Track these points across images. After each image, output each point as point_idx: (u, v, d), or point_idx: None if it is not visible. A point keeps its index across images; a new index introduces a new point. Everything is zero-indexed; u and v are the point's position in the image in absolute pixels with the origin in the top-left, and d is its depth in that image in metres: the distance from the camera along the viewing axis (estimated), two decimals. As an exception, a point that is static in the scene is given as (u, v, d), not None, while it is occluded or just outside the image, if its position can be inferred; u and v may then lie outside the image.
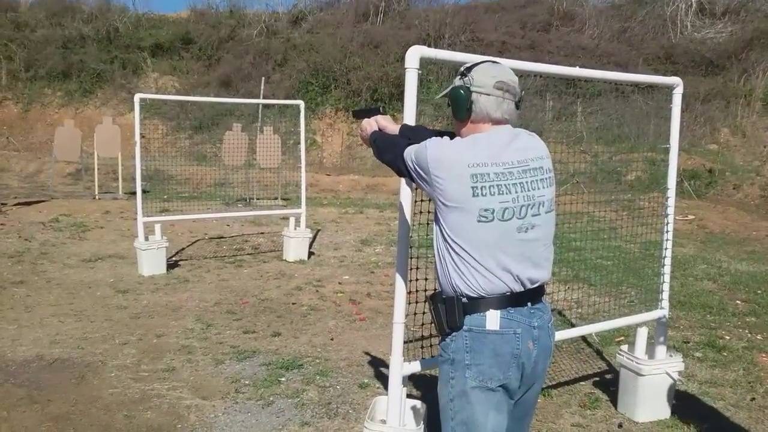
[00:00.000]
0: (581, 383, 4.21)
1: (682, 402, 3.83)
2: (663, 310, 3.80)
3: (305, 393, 3.93)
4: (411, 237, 2.71)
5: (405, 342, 2.68)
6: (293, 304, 5.89)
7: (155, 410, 3.65)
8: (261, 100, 12.50)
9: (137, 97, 6.81)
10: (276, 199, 12.43)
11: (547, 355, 2.07)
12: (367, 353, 4.63)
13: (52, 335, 4.81)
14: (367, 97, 17.52)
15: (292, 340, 4.91)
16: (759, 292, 6.59)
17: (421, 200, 2.68)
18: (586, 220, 4.99)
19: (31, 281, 6.33)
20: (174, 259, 7.43)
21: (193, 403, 3.76)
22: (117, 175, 12.48)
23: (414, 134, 2.16)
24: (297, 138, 9.48)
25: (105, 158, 12.59)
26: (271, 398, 3.84)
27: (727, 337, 5.16)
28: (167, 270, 6.83)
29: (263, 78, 15.69)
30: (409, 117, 2.52)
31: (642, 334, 3.71)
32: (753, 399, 3.99)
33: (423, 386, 3.88)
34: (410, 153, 2.04)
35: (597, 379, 4.29)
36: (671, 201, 3.78)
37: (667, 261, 3.79)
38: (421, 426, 2.66)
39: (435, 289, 2.14)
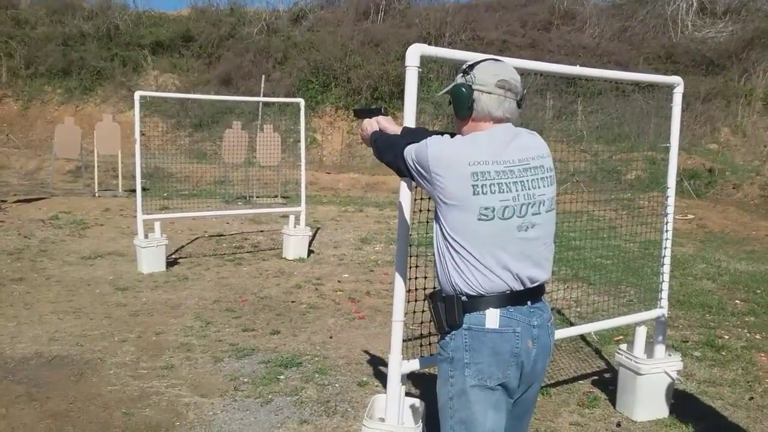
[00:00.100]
0: (580, 382, 4.21)
1: (680, 401, 3.83)
2: (662, 310, 3.80)
3: (304, 391, 3.93)
4: (410, 235, 2.71)
5: (404, 340, 2.68)
6: (292, 302, 5.89)
7: (154, 408, 3.65)
8: (261, 98, 12.49)
9: (137, 94, 6.81)
10: (276, 197, 12.42)
11: (546, 354, 2.07)
12: (366, 351, 4.63)
13: (51, 332, 4.81)
14: (368, 95, 17.51)
15: (291, 338, 4.91)
16: (758, 291, 6.59)
17: (421, 198, 2.68)
18: (585, 219, 4.98)
19: (30, 278, 6.33)
20: (173, 256, 7.43)
21: (192, 400, 3.76)
22: (117, 172, 12.47)
23: (415, 136, 2.15)
24: (297, 136, 9.48)
25: (105, 156, 12.58)
26: (269, 396, 3.84)
27: (726, 337, 5.16)
28: (167, 268, 6.83)
29: (263, 76, 15.68)
30: (410, 115, 2.52)
31: (641, 333, 3.71)
32: (751, 398, 4.00)
33: (422, 384, 3.88)
34: (410, 151, 2.04)
35: (596, 378, 4.29)
36: (671, 200, 3.78)
37: (667, 260, 3.79)
38: (420, 424, 2.66)
39: (434, 288, 2.14)
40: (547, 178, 2.03)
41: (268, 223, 9.87)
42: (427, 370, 3.42)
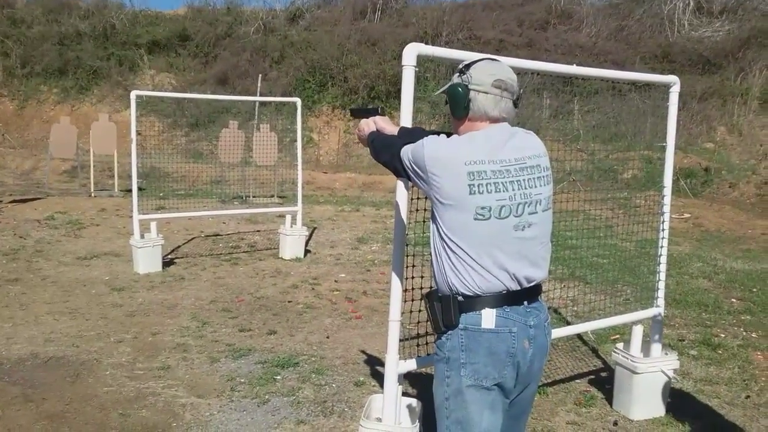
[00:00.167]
0: (577, 381, 4.21)
1: (677, 400, 3.83)
2: (658, 308, 3.80)
3: (301, 391, 3.92)
4: (407, 235, 2.70)
5: (401, 340, 2.68)
6: (289, 302, 5.88)
7: (150, 409, 3.64)
8: (258, 98, 12.47)
9: (133, 94, 6.80)
10: (272, 196, 12.41)
11: (543, 355, 2.07)
12: (362, 351, 4.63)
13: (46, 333, 4.79)
14: (365, 95, 17.51)
15: (287, 338, 4.91)
16: (754, 290, 6.61)
17: (418, 198, 2.68)
18: (582, 219, 4.99)
19: (26, 279, 6.31)
20: (170, 256, 7.41)
21: (189, 401, 3.75)
22: (113, 172, 12.44)
23: (412, 136, 2.15)
24: (294, 136, 9.47)
25: (101, 155, 12.54)
26: (266, 396, 3.83)
27: (722, 335, 5.17)
28: (163, 268, 6.81)
29: (260, 75, 15.66)
30: (406, 114, 2.52)
31: (637, 332, 3.71)
32: (748, 397, 4.00)
33: (419, 384, 3.88)
34: (407, 151, 2.03)
35: (592, 377, 4.29)
36: (667, 199, 3.78)
37: (663, 259, 3.80)
38: (417, 424, 2.66)
39: (431, 287, 2.14)
40: (543, 177, 2.03)
41: (264, 222, 9.86)
42: (424, 369, 3.42)
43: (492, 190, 1.91)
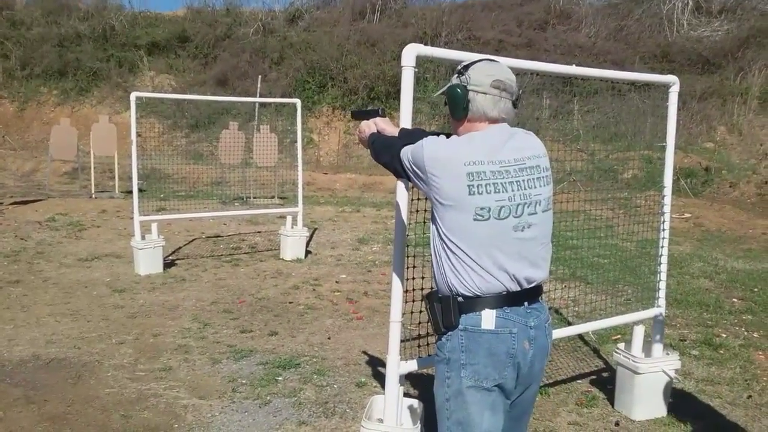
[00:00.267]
0: (578, 381, 4.21)
1: (678, 400, 3.83)
2: (659, 308, 3.80)
3: (302, 392, 3.92)
4: (408, 236, 2.71)
5: (402, 341, 2.68)
6: (290, 303, 5.89)
7: (152, 410, 3.64)
8: (257, 99, 12.49)
9: (133, 95, 6.81)
10: (273, 197, 12.41)
11: (544, 355, 2.07)
12: (364, 352, 4.63)
13: (48, 335, 4.80)
14: (364, 95, 17.50)
15: (289, 339, 4.91)
16: (755, 289, 6.61)
17: (418, 199, 2.68)
18: (582, 219, 4.99)
19: (27, 280, 6.31)
20: (171, 258, 7.41)
21: (190, 402, 3.75)
22: (113, 173, 12.45)
23: (412, 137, 2.15)
24: (294, 137, 9.47)
25: (101, 157, 12.55)
26: (268, 397, 3.83)
27: (724, 335, 5.17)
28: (164, 269, 6.82)
29: (260, 76, 15.68)
30: (406, 115, 2.52)
31: (639, 332, 3.71)
32: (750, 397, 4.00)
33: (420, 385, 3.88)
34: (406, 152, 2.03)
35: (594, 377, 4.29)
36: (668, 199, 3.79)
37: (664, 259, 3.80)
38: (418, 425, 2.66)
39: (431, 288, 2.14)
40: (543, 177, 2.03)
41: (265, 223, 9.86)
42: (425, 370, 3.42)
43: (491, 191, 1.91)
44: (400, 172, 2.10)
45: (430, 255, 2.07)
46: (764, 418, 3.72)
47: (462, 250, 1.94)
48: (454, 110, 2.06)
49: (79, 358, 4.36)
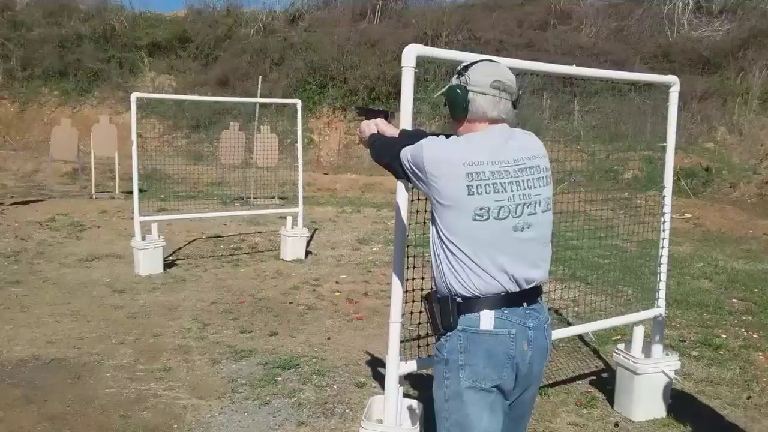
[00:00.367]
0: (578, 382, 4.21)
1: (678, 401, 3.83)
2: (659, 309, 3.80)
3: (302, 392, 3.92)
4: (408, 236, 2.71)
5: (402, 341, 2.68)
6: (290, 303, 5.89)
7: (152, 410, 3.64)
8: (258, 99, 12.45)
9: (134, 96, 6.81)
10: (273, 198, 12.41)
11: (543, 356, 2.07)
12: (364, 352, 4.63)
13: (48, 335, 4.80)
14: (365, 95, 17.50)
15: (289, 339, 4.91)
16: (755, 290, 6.60)
17: (418, 199, 2.68)
18: (583, 219, 4.98)
19: (27, 281, 6.31)
20: (171, 258, 7.41)
21: (190, 403, 3.75)
22: (114, 174, 12.45)
23: (413, 138, 2.15)
24: (294, 137, 9.48)
25: (102, 157, 12.55)
26: (267, 398, 3.83)
27: (724, 336, 5.17)
28: (164, 269, 6.82)
29: (260, 77, 15.64)
30: (406, 116, 2.52)
31: (638, 332, 3.71)
32: (749, 397, 4.00)
33: (420, 385, 3.88)
34: (406, 153, 2.04)
35: (594, 377, 4.29)
36: (668, 199, 3.79)
37: (664, 260, 3.80)
38: (418, 426, 2.66)
39: (431, 289, 2.14)
40: (543, 178, 2.03)
41: (265, 224, 9.86)
42: (425, 371, 3.41)
43: (491, 191, 1.91)
44: (399, 172, 2.10)
45: (430, 255, 2.07)
46: (764, 418, 3.72)
47: (461, 251, 1.94)
48: (453, 111, 2.06)
49: (79, 359, 4.36)
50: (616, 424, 3.61)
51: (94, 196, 11.86)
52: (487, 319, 1.95)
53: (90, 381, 4.01)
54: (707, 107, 15.65)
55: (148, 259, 6.69)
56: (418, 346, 3.03)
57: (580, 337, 4.96)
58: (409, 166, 2.02)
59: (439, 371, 2.05)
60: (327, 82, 18.31)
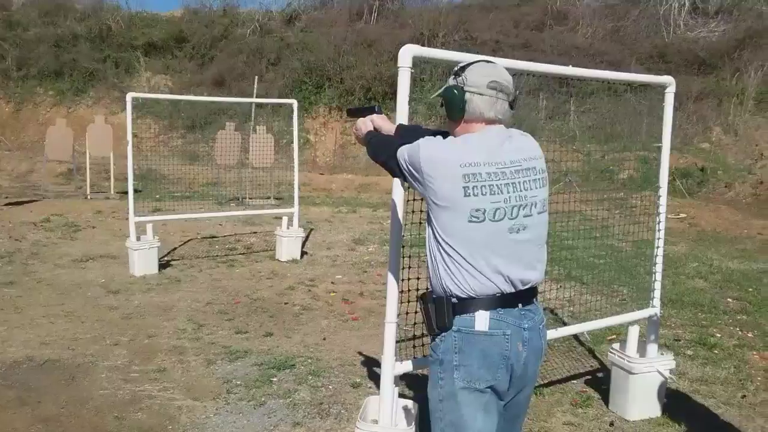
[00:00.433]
0: (573, 382, 4.21)
1: (673, 400, 3.84)
2: (654, 309, 3.81)
3: (297, 393, 3.92)
4: (403, 236, 2.70)
5: (397, 341, 2.67)
6: (286, 303, 5.88)
7: (146, 411, 3.63)
8: (254, 99, 12.45)
9: (129, 96, 6.78)
10: (269, 198, 12.40)
11: (537, 357, 2.06)
12: (359, 353, 4.62)
13: (42, 336, 4.78)
14: (361, 96, 17.50)
15: (284, 340, 4.90)
16: (750, 290, 6.62)
17: (414, 199, 2.68)
18: (578, 219, 4.99)
19: (21, 282, 6.29)
20: (166, 259, 7.40)
21: (185, 404, 3.74)
22: (109, 174, 12.42)
23: (410, 134, 2.15)
24: (290, 137, 9.46)
25: (97, 158, 12.53)
26: (263, 399, 3.82)
27: (718, 335, 5.18)
28: (159, 270, 6.80)
29: (256, 77, 15.62)
30: (402, 116, 2.52)
31: (633, 332, 3.71)
32: (744, 396, 4.01)
33: (416, 386, 3.88)
34: (403, 152, 2.03)
35: (589, 377, 4.30)
36: (663, 199, 3.79)
37: (659, 259, 3.80)
38: (413, 426, 2.66)
39: (427, 289, 2.14)
40: (539, 179, 2.03)
41: (261, 224, 9.85)
42: (420, 371, 3.41)
43: (487, 193, 1.91)
44: (396, 171, 2.10)
45: (426, 256, 2.07)
46: (758, 417, 3.73)
47: (457, 252, 1.93)
48: (450, 111, 2.06)
49: (73, 360, 4.35)
50: (612, 424, 3.61)
51: (89, 197, 11.83)
52: (482, 319, 1.95)
53: (84, 382, 4.00)
54: (703, 108, 15.70)
55: (143, 260, 6.67)
56: (414, 347, 3.03)
57: (576, 336, 4.97)
58: (406, 165, 2.01)
59: (434, 371, 2.05)
60: (323, 82, 18.30)
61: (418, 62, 2.53)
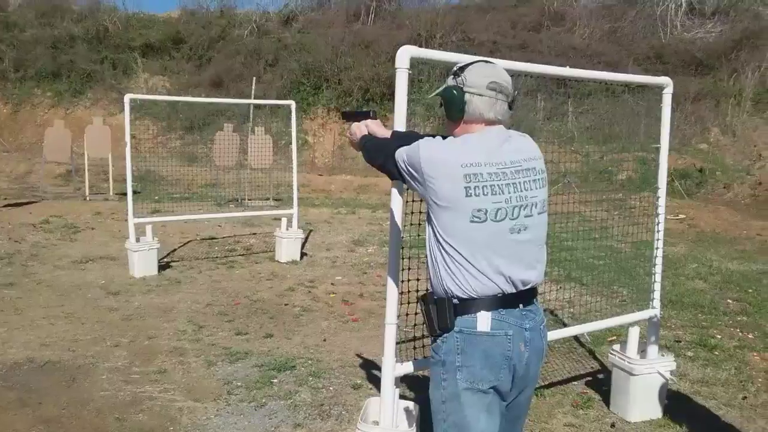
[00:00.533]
0: (574, 383, 4.21)
1: (673, 401, 3.84)
2: (654, 310, 3.81)
3: (298, 394, 3.91)
4: (403, 237, 2.70)
5: (397, 343, 2.67)
6: (285, 305, 5.87)
7: (147, 413, 3.63)
8: (252, 101, 12.46)
9: (127, 97, 6.78)
10: (268, 199, 12.40)
11: (539, 358, 2.07)
12: (359, 354, 4.62)
13: (42, 337, 4.77)
14: (359, 97, 17.52)
15: (284, 341, 4.90)
16: (750, 291, 6.63)
17: (413, 200, 2.68)
18: (577, 220, 5.00)
19: (21, 283, 6.28)
20: (165, 260, 7.39)
21: (185, 405, 3.74)
22: (108, 175, 12.41)
23: (405, 139, 2.15)
24: (288, 138, 9.47)
25: (95, 159, 12.51)
26: (263, 400, 3.82)
27: (719, 336, 5.18)
28: (159, 271, 6.79)
29: (254, 78, 15.63)
30: (400, 117, 2.52)
31: (634, 333, 3.72)
32: (744, 398, 4.01)
33: (416, 387, 3.88)
34: (402, 154, 2.03)
35: (589, 378, 4.30)
36: (662, 200, 3.79)
37: (659, 260, 3.81)
38: (414, 427, 2.65)
39: (427, 290, 2.14)
40: (539, 180, 2.03)
41: (260, 225, 9.84)
42: (421, 372, 3.41)
43: (488, 193, 1.91)
44: (394, 173, 2.10)
45: (426, 257, 2.07)
46: (759, 419, 3.74)
47: (458, 252, 1.93)
48: (450, 112, 2.05)
49: (74, 361, 4.34)
50: (612, 425, 3.62)
51: (87, 198, 11.82)
52: (484, 320, 1.95)
53: (85, 384, 3.99)
54: (700, 108, 15.74)
55: (142, 261, 6.66)
56: (414, 348, 3.03)
57: (576, 338, 4.97)
58: (405, 167, 2.01)
59: (436, 373, 2.04)
60: (321, 83, 18.32)
61: (415, 63, 2.53)
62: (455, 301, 1.97)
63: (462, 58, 2.33)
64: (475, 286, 1.94)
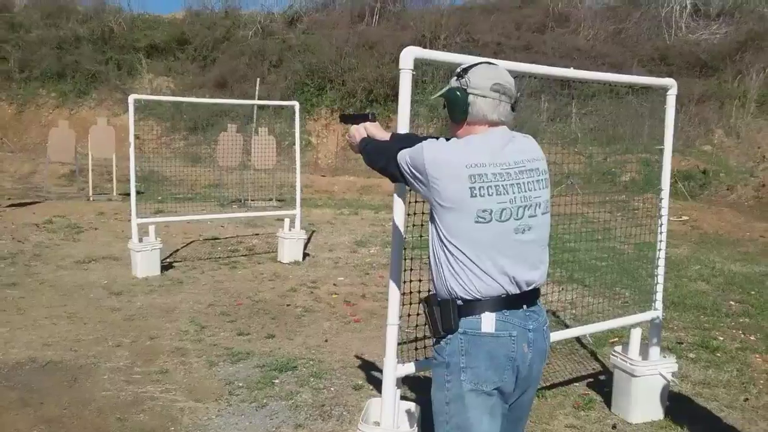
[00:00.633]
0: (575, 384, 4.21)
1: (675, 403, 3.83)
2: (657, 311, 3.80)
3: (299, 395, 3.92)
4: (405, 238, 2.70)
5: (399, 344, 2.67)
6: (288, 305, 5.88)
7: (148, 413, 3.63)
8: (256, 101, 12.48)
9: (132, 98, 6.79)
10: (271, 200, 12.41)
11: (542, 358, 2.07)
12: (361, 355, 4.62)
13: (44, 337, 4.78)
14: (363, 98, 17.52)
15: (286, 341, 4.90)
16: (752, 293, 6.61)
17: (416, 201, 2.68)
18: (580, 221, 4.99)
19: (24, 283, 6.30)
20: (168, 260, 7.40)
21: (187, 405, 3.74)
22: (111, 176, 12.43)
23: (405, 141, 2.15)
24: (292, 139, 9.48)
25: (99, 159, 12.54)
26: (264, 400, 3.82)
27: (721, 338, 5.17)
28: (161, 271, 6.80)
29: (258, 79, 15.66)
30: (404, 118, 2.52)
31: (636, 335, 3.71)
32: (746, 400, 4.00)
33: (418, 388, 3.87)
34: (404, 155, 2.03)
35: (591, 380, 4.29)
36: (665, 202, 3.79)
37: (661, 262, 3.80)
38: (415, 428, 2.65)
39: (429, 291, 2.14)
40: (542, 180, 2.03)
41: (263, 226, 9.85)
42: (422, 373, 3.41)
43: (493, 193, 1.91)
44: (396, 175, 2.09)
45: (428, 258, 2.07)
46: (761, 420, 3.72)
47: (462, 253, 1.93)
48: (453, 113, 2.06)
49: (76, 361, 4.35)
50: (614, 426, 3.61)
51: (91, 198, 11.84)
52: (488, 321, 1.95)
53: (86, 384, 4.00)
54: (704, 110, 15.70)
55: (145, 261, 6.68)
56: (416, 349, 3.03)
57: (578, 339, 4.96)
58: (408, 168, 2.01)
59: (440, 374, 2.04)
60: (325, 84, 18.33)
61: (419, 64, 2.53)
62: (459, 302, 1.97)
63: (466, 60, 2.33)
64: (480, 287, 1.93)
